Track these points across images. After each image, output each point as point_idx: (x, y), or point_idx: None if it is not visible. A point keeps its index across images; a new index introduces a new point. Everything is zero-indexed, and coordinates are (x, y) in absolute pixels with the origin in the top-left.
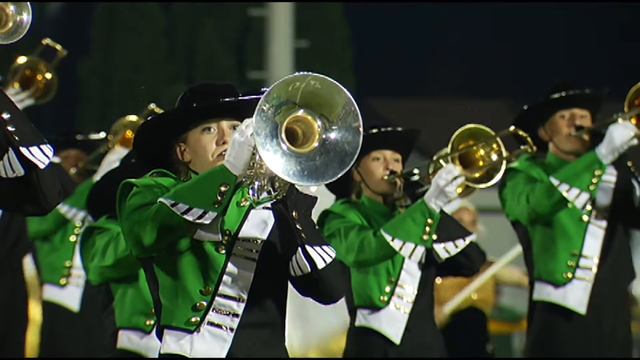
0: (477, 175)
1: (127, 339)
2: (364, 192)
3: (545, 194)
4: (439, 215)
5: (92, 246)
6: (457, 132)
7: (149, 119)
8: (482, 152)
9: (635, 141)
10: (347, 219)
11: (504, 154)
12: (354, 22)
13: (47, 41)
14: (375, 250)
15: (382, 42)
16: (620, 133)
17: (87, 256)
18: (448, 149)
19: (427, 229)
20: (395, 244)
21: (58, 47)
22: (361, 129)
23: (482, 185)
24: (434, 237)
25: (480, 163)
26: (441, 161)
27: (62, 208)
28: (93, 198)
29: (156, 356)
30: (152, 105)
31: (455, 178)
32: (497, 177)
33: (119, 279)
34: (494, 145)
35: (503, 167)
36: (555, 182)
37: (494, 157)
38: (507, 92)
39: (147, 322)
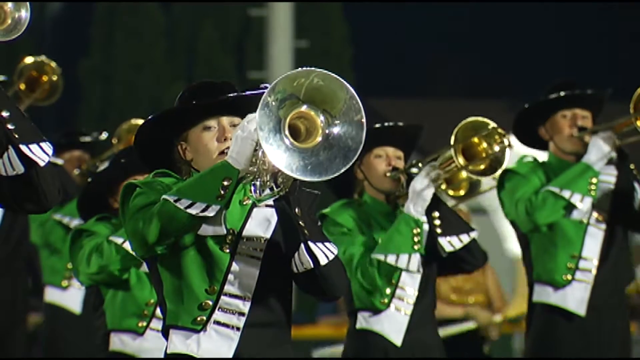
0: (481, 167)
1: (119, 341)
2: (367, 191)
3: (545, 204)
4: (422, 222)
5: (80, 248)
6: (459, 125)
7: (148, 119)
8: (484, 144)
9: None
10: (342, 227)
11: (506, 143)
12: (354, 22)
13: None
14: (375, 278)
15: (382, 42)
16: (603, 141)
17: (75, 259)
18: (451, 141)
19: (416, 238)
20: (390, 259)
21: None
22: (364, 121)
23: (486, 177)
24: (438, 231)
25: (484, 155)
26: (438, 161)
27: (57, 215)
28: (84, 198)
29: (149, 357)
30: None
31: (433, 181)
32: (501, 169)
33: (108, 284)
34: (496, 137)
35: (507, 158)
36: (555, 189)
37: (497, 148)
38: (507, 92)
39: (140, 324)
